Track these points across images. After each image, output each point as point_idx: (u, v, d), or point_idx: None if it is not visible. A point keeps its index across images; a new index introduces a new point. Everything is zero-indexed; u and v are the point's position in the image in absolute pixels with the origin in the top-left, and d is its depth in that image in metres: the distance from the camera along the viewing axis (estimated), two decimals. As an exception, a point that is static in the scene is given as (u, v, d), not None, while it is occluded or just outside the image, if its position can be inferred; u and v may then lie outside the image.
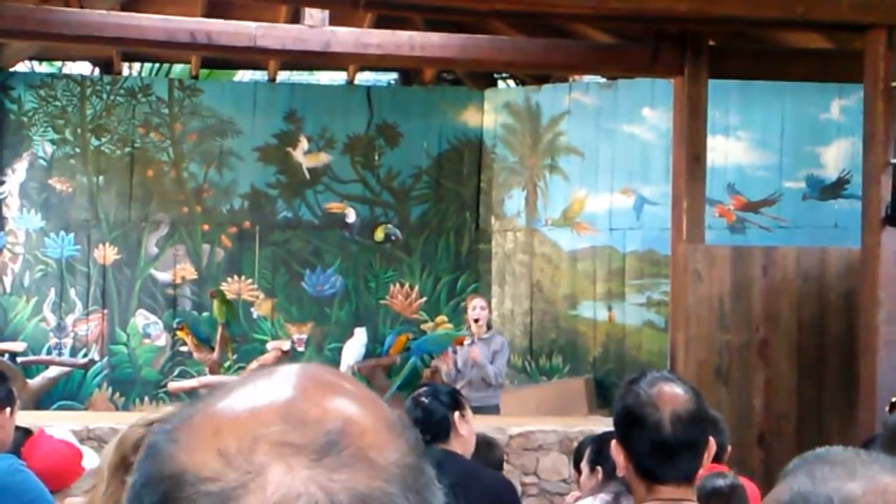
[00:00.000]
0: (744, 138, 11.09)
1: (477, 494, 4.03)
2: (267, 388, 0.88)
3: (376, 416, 0.88)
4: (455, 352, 9.96)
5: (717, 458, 3.98)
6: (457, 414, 4.36)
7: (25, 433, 4.52)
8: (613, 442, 2.80)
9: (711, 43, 8.68)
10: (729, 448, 5.15)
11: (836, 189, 10.91)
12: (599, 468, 4.36)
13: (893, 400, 4.76)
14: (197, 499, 0.81)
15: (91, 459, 4.25)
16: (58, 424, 5.34)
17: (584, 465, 4.57)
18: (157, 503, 0.83)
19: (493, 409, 9.32)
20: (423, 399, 4.40)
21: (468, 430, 4.40)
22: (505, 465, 6.34)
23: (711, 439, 2.79)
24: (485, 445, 5.19)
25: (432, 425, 4.28)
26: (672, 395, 2.72)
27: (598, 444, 4.46)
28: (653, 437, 2.69)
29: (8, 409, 4.14)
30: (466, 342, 9.89)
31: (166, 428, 0.87)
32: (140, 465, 0.87)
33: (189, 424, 0.86)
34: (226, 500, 0.80)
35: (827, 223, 10.72)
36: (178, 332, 11.46)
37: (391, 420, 0.89)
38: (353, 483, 0.82)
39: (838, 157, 10.90)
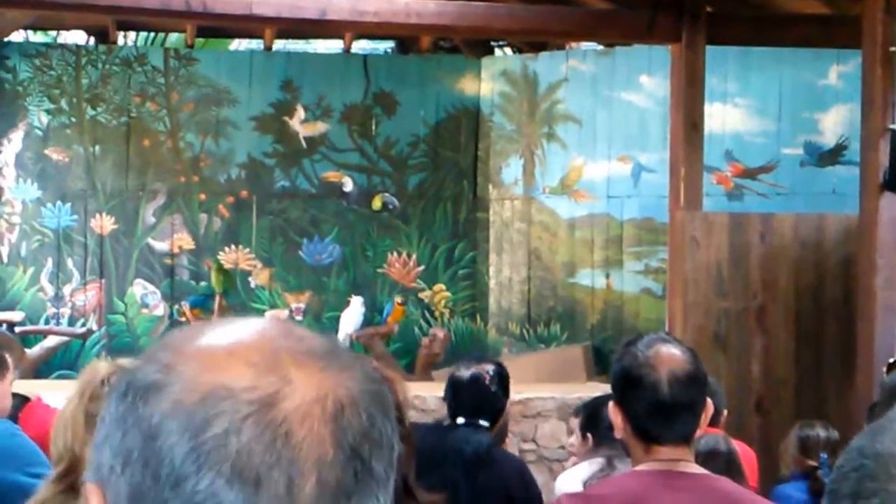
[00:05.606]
0: (741, 105, 11.05)
1: (492, 474, 4.03)
2: (238, 325, 0.94)
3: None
4: None
5: (713, 423, 3.98)
6: (507, 401, 4.32)
7: (24, 401, 4.52)
8: (611, 403, 2.80)
9: (709, 9, 8.63)
10: (725, 412, 5.15)
11: (834, 155, 10.88)
12: (590, 435, 4.36)
13: (891, 360, 4.76)
14: (240, 407, 0.86)
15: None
16: (53, 392, 5.32)
17: (576, 432, 4.57)
18: (193, 427, 0.86)
19: None
20: (492, 383, 4.24)
21: (503, 420, 4.37)
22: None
23: (709, 400, 2.79)
24: None
25: (490, 409, 4.21)
26: (669, 355, 2.72)
27: (589, 411, 4.47)
28: (650, 397, 2.69)
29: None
30: None
31: (153, 369, 0.90)
32: (143, 410, 0.88)
33: (186, 357, 0.90)
34: (266, 405, 0.87)
35: (825, 189, 10.70)
36: (183, 317, 11.55)
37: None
38: (360, 383, 0.91)
39: (836, 123, 10.86)
